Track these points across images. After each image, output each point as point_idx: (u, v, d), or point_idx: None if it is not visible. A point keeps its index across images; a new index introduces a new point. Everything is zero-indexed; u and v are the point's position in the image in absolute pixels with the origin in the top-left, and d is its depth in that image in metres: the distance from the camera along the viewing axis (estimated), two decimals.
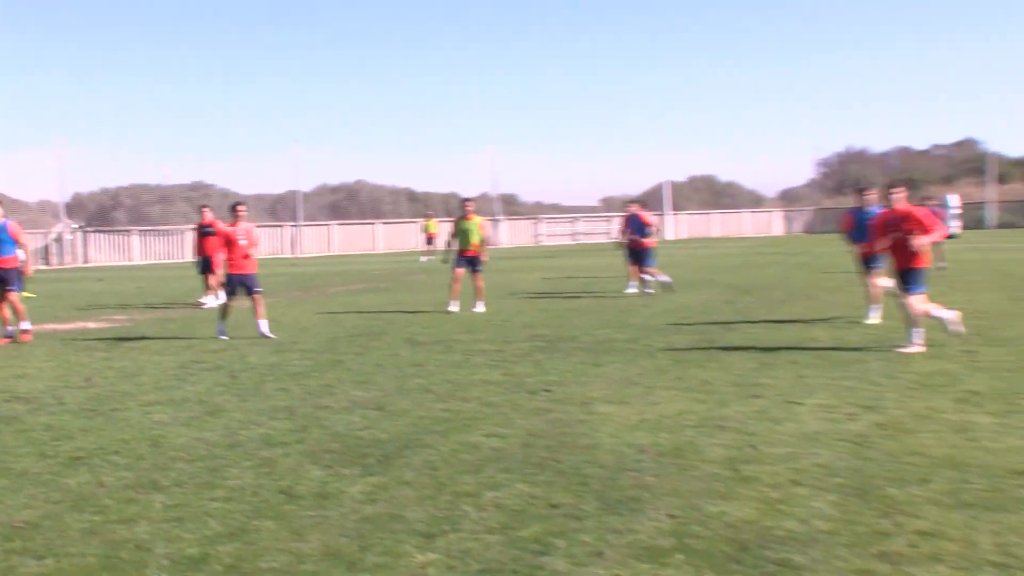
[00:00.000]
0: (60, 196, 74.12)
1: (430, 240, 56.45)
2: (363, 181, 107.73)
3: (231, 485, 7.54)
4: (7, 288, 17.67)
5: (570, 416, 9.61)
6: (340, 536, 6.21)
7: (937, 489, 6.92)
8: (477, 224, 21.74)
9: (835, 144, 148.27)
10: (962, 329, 14.17)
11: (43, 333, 19.17)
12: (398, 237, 76.96)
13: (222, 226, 18.91)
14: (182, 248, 62.46)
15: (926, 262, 13.99)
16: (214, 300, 23.58)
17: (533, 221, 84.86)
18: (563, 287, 27.80)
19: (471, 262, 21.57)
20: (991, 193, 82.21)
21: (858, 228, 17.42)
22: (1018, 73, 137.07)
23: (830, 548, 5.78)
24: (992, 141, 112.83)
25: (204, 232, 25.45)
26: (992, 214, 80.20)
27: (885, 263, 15.02)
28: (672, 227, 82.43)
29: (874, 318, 17.01)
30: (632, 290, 25.30)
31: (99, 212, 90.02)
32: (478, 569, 5.59)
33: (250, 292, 17.80)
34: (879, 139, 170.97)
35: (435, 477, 7.57)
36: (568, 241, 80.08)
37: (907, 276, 13.85)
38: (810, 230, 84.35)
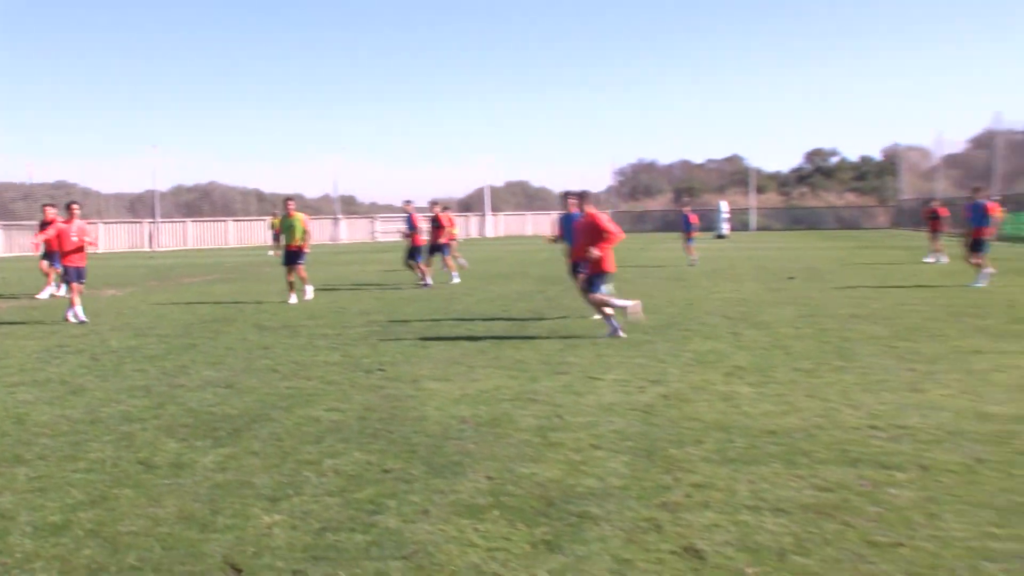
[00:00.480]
0: None
1: (276, 236, 55.48)
2: (216, 182, 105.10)
3: (92, 458, 7.30)
4: None
5: (401, 392, 9.60)
6: (194, 501, 6.09)
7: (708, 448, 7.16)
8: (300, 220, 21.33)
9: (629, 155, 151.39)
10: (642, 317, 14.46)
11: None
12: (247, 233, 75.78)
13: (59, 224, 18.38)
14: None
15: (609, 267, 13.61)
16: (49, 292, 23.81)
17: (370, 219, 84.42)
18: (395, 279, 27.63)
19: (296, 255, 21.13)
20: (752, 201, 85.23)
21: (566, 232, 16.06)
22: (775, 99, 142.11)
23: (622, 501, 5.92)
24: (753, 157, 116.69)
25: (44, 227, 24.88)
26: (754, 219, 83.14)
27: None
28: (492, 226, 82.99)
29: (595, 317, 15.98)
30: (456, 280, 25.61)
31: None
32: (319, 528, 5.56)
33: (74, 280, 17.67)
34: (665, 152, 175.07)
35: (280, 447, 7.48)
36: (399, 238, 79.39)
37: (592, 279, 13.59)
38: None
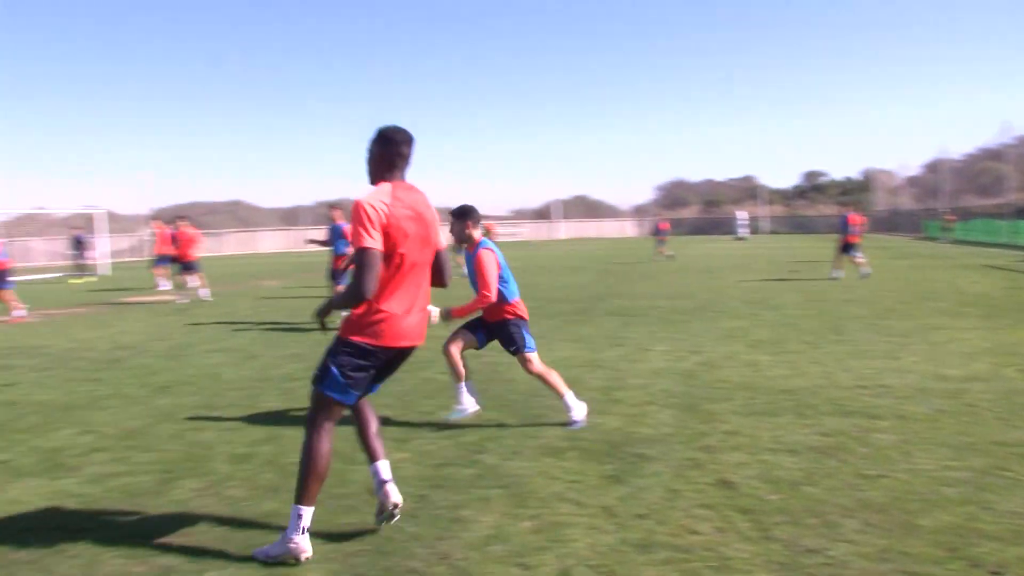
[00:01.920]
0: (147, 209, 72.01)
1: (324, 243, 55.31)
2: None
3: (266, 407, 7.48)
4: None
5: (496, 360, 9.57)
6: (341, 440, 5.96)
7: (736, 404, 7.08)
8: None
9: (666, 174, 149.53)
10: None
11: (132, 304, 18.79)
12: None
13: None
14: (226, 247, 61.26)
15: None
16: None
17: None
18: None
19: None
20: (763, 211, 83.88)
21: (334, 240, 13.78)
22: (781, 128, 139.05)
23: (670, 445, 5.89)
24: (763, 176, 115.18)
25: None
26: (765, 225, 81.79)
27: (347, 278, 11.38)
28: (563, 231, 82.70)
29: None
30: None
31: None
32: (436, 463, 5.59)
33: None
34: (694, 171, 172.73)
35: (404, 401, 7.55)
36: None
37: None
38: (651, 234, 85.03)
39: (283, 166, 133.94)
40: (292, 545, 4.02)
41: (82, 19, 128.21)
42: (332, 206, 14.33)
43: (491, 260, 6.34)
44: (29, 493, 5.17)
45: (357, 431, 4.47)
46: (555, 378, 6.59)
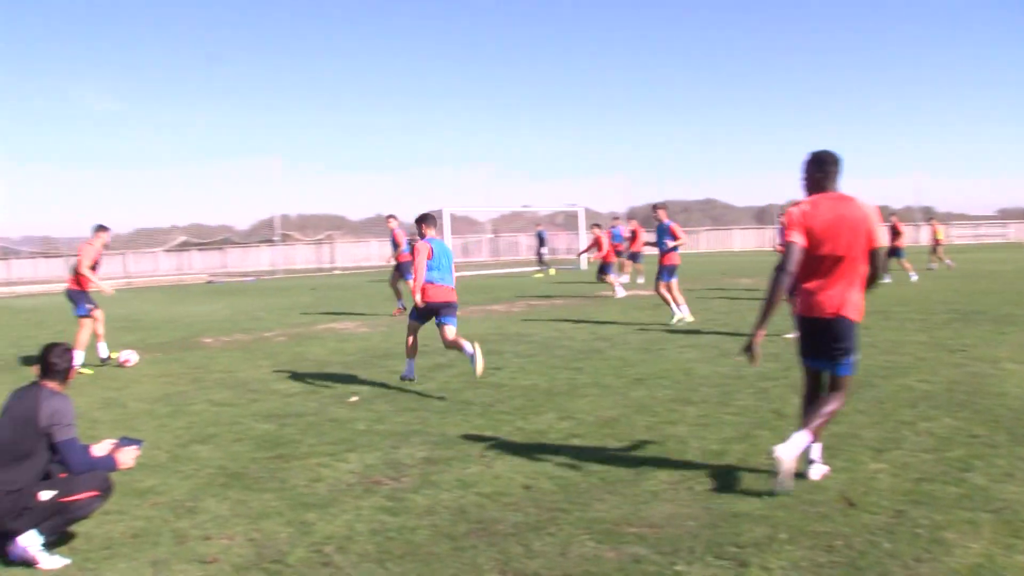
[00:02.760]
0: (623, 208, 76.58)
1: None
2: None
3: (738, 404, 7.60)
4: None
5: (982, 370, 8.69)
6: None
7: None
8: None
9: None
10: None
11: (604, 298, 20.28)
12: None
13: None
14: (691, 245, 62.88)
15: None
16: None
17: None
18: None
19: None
20: None
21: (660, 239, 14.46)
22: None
23: None
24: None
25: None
26: None
27: None
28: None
29: None
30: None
31: (645, 220, 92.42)
32: (916, 477, 5.30)
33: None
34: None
35: (881, 408, 7.20)
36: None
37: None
38: None
39: (755, 164, 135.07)
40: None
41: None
42: (657, 207, 14.90)
43: (423, 250, 8.69)
44: (512, 470, 5.84)
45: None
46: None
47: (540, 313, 17.08)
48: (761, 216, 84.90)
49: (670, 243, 14.49)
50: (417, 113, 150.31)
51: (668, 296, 14.46)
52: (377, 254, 59.94)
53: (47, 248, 64.92)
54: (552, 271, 34.27)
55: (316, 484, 5.71)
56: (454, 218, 38.92)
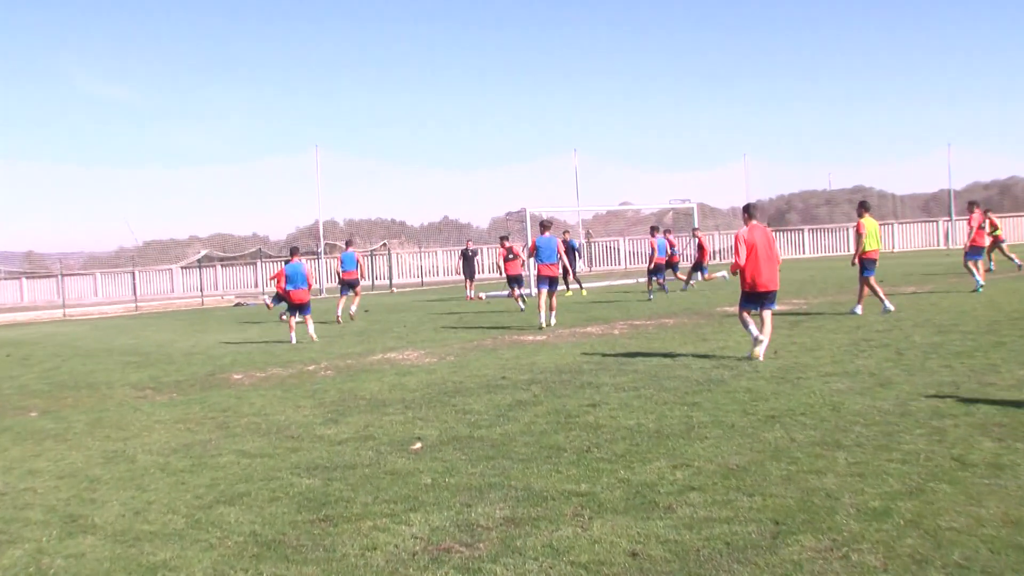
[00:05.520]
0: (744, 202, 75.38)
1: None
2: (1017, 176, 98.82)
3: (906, 449, 7.38)
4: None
5: None
6: (1020, 505, 5.77)
7: None
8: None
9: None
10: None
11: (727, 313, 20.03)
12: None
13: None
14: (845, 243, 61.77)
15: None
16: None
17: None
18: None
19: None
20: None
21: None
22: None
23: None
24: None
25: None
26: None
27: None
28: None
29: None
30: None
31: (776, 215, 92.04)
32: None
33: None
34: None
35: None
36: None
37: None
38: None
39: (920, 143, 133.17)
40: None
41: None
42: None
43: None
44: (614, 533, 5.73)
45: None
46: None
47: (646, 336, 17.00)
48: (929, 207, 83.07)
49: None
50: (487, 99, 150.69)
51: (877, 289, 18.39)
52: (444, 266, 60.47)
53: (33, 267, 66.17)
54: (584, 292, 33.54)
55: (371, 553, 5.69)
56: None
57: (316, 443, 9.04)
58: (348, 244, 27.78)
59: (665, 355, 13.84)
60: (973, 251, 23.39)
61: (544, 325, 19.59)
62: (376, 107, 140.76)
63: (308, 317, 19.93)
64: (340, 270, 26.13)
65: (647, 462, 7.43)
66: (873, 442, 7.64)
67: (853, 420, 8.54)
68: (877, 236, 18.92)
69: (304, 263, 20.73)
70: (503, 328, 20.44)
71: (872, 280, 18.50)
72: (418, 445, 8.59)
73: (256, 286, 57.50)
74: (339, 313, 25.70)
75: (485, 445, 8.44)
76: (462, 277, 36.33)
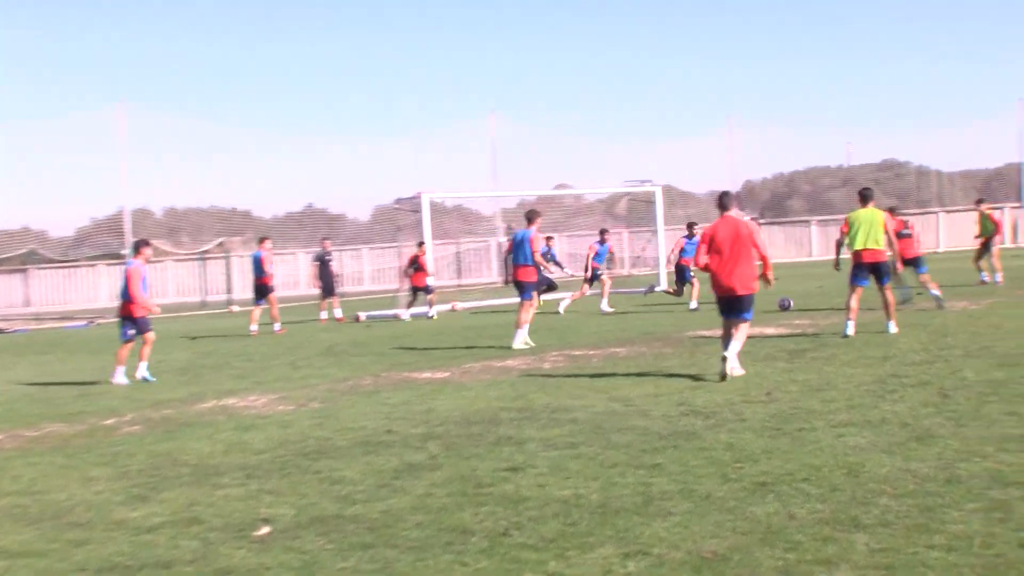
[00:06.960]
0: (732, 185, 75.09)
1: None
2: None
3: (952, 531, 7.35)
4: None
5: None
6: None
7: None
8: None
9: None
10: None
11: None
12: None
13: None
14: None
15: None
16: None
17: None
18: None
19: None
20: None
21: None
22: None
23: None
24: None
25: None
26: None
27: None
28: None
29: None
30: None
31: (773, 201, 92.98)
32: None
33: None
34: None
35: None
36: None
37: None
38: None
39: None
40: None
41: None
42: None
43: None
44: None
45: None
46: None
47: (589, 370, 17.07)
48: (991, 188, 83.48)
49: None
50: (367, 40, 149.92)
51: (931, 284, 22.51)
52: (307, 272, 60.18)
53: None
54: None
55: None
56: (441, 211, 38.90)
57: (114, 532, 8.81)
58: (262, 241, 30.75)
59: (614, 398, 13.88)
60: None
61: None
62: (209, 49, 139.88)
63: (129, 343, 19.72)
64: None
65: (588, 549, 7.38)
66: (906, 520, 7.62)
67: (877, 489, 8.54)
68: (877, 234, 19.14)
69: (135, 264, 20.14)
70: (389, 362, 20.33)
71: (888, 291, 19.97)
72: (265, 530, 8.47)
73: (29, 303, 56.58)
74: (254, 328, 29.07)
75: (361, 528, 8.34)
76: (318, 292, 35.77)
